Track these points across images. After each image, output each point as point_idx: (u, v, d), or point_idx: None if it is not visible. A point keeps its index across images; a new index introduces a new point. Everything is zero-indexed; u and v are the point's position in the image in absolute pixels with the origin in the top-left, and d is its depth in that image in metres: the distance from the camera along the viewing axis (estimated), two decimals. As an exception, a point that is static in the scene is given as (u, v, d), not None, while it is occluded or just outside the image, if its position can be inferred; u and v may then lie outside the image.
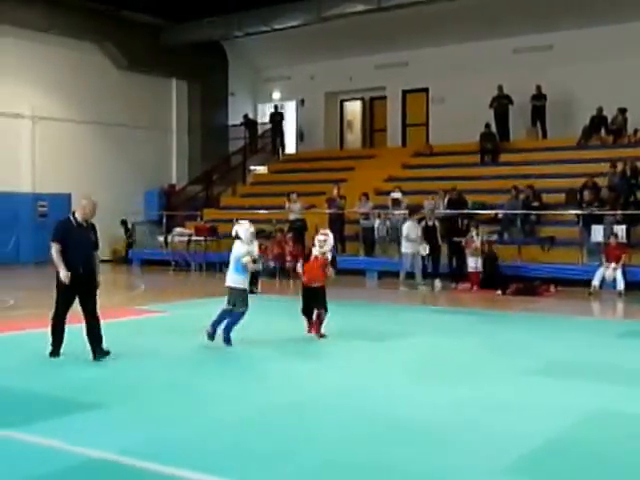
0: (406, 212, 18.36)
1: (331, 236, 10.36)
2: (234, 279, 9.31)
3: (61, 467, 5.09)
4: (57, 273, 8.36)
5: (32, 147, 22.94)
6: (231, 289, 9.35)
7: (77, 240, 8.44)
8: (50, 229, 8.87)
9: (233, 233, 9.47)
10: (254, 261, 9.38)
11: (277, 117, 27.26)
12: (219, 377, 7.91)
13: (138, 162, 25.32)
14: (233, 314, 9.32)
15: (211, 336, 9.32)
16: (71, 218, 8.57)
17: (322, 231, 10.52)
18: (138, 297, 15.54)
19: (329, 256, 10.10)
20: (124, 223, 24.15)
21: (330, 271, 10.09)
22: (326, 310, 9.99)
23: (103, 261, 23.47)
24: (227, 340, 9.30)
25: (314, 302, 10.01)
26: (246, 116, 27.77)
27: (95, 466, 5.12)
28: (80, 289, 8.41)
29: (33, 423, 6.01)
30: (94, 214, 8.65)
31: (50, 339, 8.52)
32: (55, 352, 8.54)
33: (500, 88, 22.40)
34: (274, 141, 27.62)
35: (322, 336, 9.92)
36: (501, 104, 22.55)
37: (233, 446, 5.52)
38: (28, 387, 7.29)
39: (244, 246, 9.29)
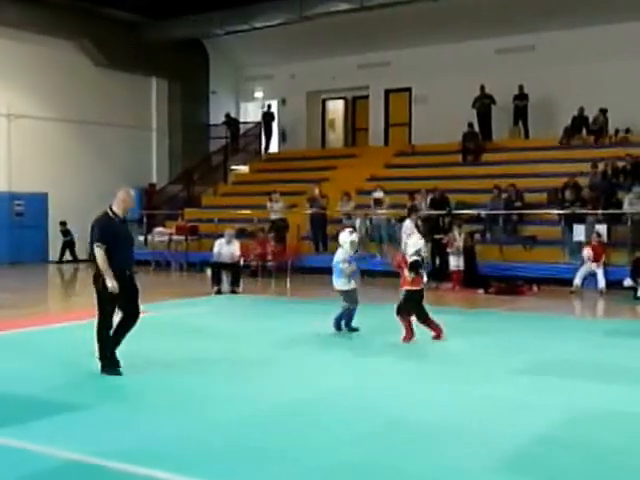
0: (387, 212, 18.34)
1: (413, 239, 10.01)
2: (335, 282, 10.25)
3: (43, 469, 4.96)
4: (100, 278, 7.46)
5: (8, 146, 22.59)
6: (338, 292, 10.26)
7: (122, 237, 7.63)
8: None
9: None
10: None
11: (268, 117, 27.12)
12: (206, 377, 7.71)
13: (117, 161, 25.03)
14: (349, 311, 10.22)
15: (337, 329, 10.26)
16: (110, 213, 7.70)
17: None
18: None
19: (408, 259, 9.72)
20: (63, 224, 22.48)
21: (406, 273, 9.61)
22: (418, 317, 9.54)
23: (82, 260, 23.36)
24: (336, 326, 10.24)
25: (402, 306, 9.69)
26: (228, 115, 27.59)
27: (78, 468, 5.01)
28: (126, 292, 7.57)
29: (16, 425, 5.87)
30: (132, 206, 7.95)
31: (97, 353, 7.61)
32: (112, 364, 7.59)
33: (482, 88, 22.41)
34: (261, 140, 27.55)
35: (408, 339, 9.55)
36: (483, 104, 22.55)
37: (223, 447, 5.42)
38: (11, 389, 7.11)
39: (342, 252, 10.16)
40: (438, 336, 9.59)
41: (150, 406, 6.58)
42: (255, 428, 5.89)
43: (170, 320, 11.78)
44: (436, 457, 5.25)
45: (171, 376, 7.68)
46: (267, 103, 27.51)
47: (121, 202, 7.75)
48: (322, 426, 5.98)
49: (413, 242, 9.88)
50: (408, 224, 16.06)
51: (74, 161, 24.05)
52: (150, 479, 4.82)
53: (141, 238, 22.80)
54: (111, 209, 7.74)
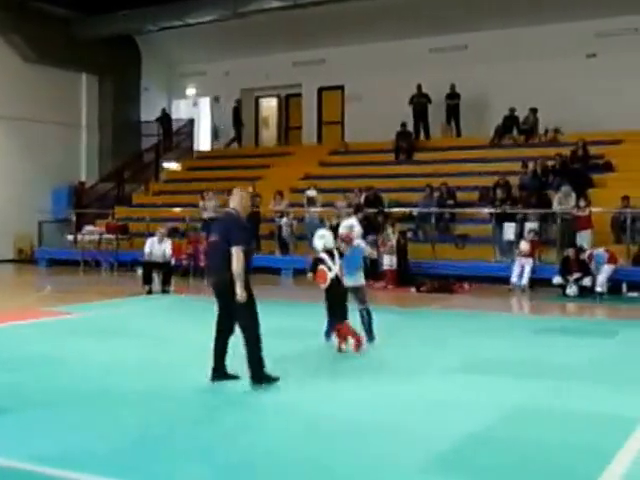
0: (320, 210, 18.33)
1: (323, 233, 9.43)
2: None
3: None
4: (241, 284, 6.78)
5: None
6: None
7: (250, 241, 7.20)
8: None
9: None
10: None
11: (237, 111, 26.84)
12: (131, 380, 7.53)
13: (46, 158, 24.33)
14: None
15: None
16: (235, 215, 7.05)
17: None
18: (45, 298, 14.94)
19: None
20: None
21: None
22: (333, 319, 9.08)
23: (7, 261, 22.70)
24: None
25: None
26: (164, 110, 27.20)
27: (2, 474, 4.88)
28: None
29: None
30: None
31: (254, 367, 7.02)
32: (268, 376, 7.05)
33: (419, 87, 22.52)
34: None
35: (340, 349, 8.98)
36: (420, 102, 22.69)
37: (142, 449, 5.35)
38: None
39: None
40: (332, 332, 9.19)
41: (77, 410, 6.40)
42: (172, 427, 5.84)
43: (99, 321, 11.54)
44: (368, 456, 5.24)
45: (99, 378, 7.49)
46: (236, 99, 27.02)
47: (244, 199, 7.19)
48: (248, 425, 5.91)
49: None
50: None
51: (1, 158, 23.33)
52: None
53: (70, 237, 22.34)
54: (235, 210, 7.08)
